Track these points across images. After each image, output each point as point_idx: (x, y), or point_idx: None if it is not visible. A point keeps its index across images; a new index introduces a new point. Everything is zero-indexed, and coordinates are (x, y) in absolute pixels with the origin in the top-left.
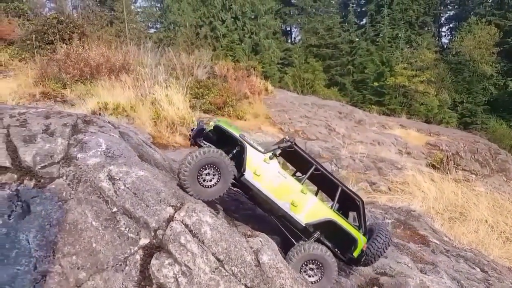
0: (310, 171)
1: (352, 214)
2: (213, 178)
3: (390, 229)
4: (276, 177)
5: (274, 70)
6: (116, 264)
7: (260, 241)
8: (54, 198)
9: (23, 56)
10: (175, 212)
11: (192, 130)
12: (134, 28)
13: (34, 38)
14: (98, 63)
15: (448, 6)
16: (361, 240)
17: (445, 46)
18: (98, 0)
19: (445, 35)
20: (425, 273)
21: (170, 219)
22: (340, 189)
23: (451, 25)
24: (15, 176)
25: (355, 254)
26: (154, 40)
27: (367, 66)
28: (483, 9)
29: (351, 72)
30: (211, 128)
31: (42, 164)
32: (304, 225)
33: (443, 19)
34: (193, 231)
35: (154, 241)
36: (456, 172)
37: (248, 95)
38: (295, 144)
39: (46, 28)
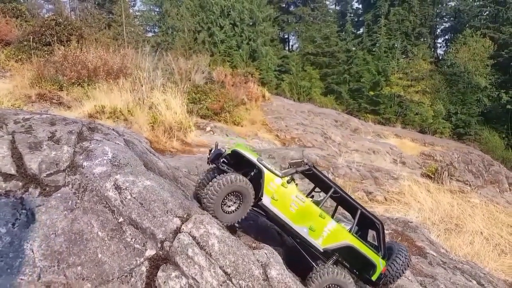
0: (329, 194)
1: (371, 233)
2: (234, 204)
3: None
4: (294, 202)
5: (271, 76)
6: (122, 276)
7: (266, 253)
8: (59, 207)
9: (19, 57)
10: (182, 223)
11: (210, 151)
12: (132, 32)
13: (31, 39)
14: (95, 66)
15: (444, 18)
16: (380, 264)
17: (440, 57)
18: (97, 2)
19: (440, 46)
20: (425, 287)
21: (178, 230)
22: (359, 212)
23: (446, 37)
24: (20, 183)
25: (374, 278)
26: (152, 44)
27: (363, 75)
28: (478, 22)
29: (348, 81)
30: (229, 152)
31: (48, 172)
32: (322, 250)
33: (438, 30)
34: (201, 244)
35: (161, 252)
36: (450, 182)
37: (245, 101)
38: (314, 167)
39: (43, 29)
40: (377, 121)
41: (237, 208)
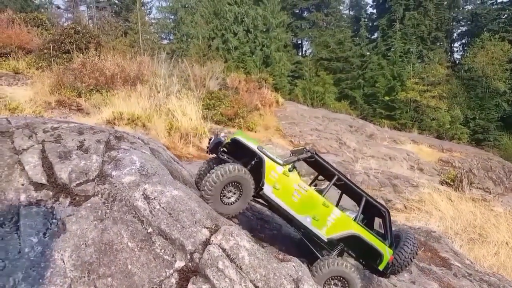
0: (333, 181)
1: (378, 221)
2: (233, 195)
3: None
4: (296, 191)
5: (284, 82)
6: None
7: (294, 266)
8: (89, 216)
9: (40, 64)
10: (211, 234)
11: (209, 140)
12: (148, 39)
13: (51, 47)
14: (113, 73)
15: (461, 22)
16: (387, 253)
17: (457, 62)
18: (113, 11)
19: (457, 51)
20: None
21: (207, 242)
22: (364, 199)
23: (463, 41)
24: (51, 193)
25: (381, 267)
26: (167, 51)
27: (378, 80)
28: (496, 25)
29: (362, 86)
30: (229, 141)
31: (78, 182)
32: (326, 240)
33: (455, 34)
34: (231, 256)
35: (190, 264)
36: (470, 190)
37: (259, 107)
38: (316, 154)
39: (63, 37)
40: (393, 126)
41: (237, 199)
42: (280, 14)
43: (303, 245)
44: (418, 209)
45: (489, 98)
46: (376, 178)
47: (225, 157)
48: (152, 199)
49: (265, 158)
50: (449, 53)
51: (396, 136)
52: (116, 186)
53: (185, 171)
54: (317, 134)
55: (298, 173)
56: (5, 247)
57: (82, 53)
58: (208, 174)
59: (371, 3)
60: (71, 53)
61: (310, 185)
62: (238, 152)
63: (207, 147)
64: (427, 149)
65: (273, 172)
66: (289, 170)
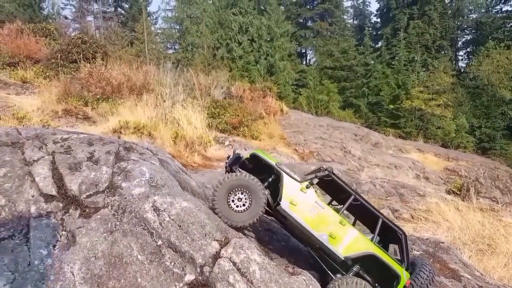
0: (349, 201)
1: (392, 247)
2: (245, 203)
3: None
4: (313, 207)
5: (288, 91)
6: None
7: (304, 280)
8: (99, 229)
9: (47, 74)
10: (221, 247)
11: (228, 157)
12: (154, 49)
13: (59, 57)
14: (119, 82)
15: (465, 31)
16: (404, 276)
17: (462, 70)
18: (120, 21)
19: (462, 59)
20: None
21: (217, 255)
22: (381, 221)
23: (468, 49)
24: (61, 204)
25: None
26: (172, 61)
27: (382, 89)
28: (501, 33)
29: (366, 94)
30: (248, 156)
31: (88, 193)
32: (343, 258)
33: (460, 43)
34: (242, 270)
35: (200, 278)
36: (478, 199)
37: (263, 115)
38: (333, 173)
39: (70, 47)
40: (398, 135)
41: (248, 208)
42: (284, 23)
43: (312, 257)
44: (426, 219)
45: (495, 106)
46: (382, 187)
47: (242, 172)
48: (162, 211)
49: (284, 174)
50: (454, 62)
51: (401, 144)
52: (126, 198)
53: (193, 181)
54: (322, 143)
55: (315, 191)
56: (15, 259)
57: (89, 63)
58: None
59: (375, 12)
60: (78, 62)
61: None
62: (256, 169)
63: (226, 163)
64: (432, 157)
65: (291, 188)
66: (307, 187)
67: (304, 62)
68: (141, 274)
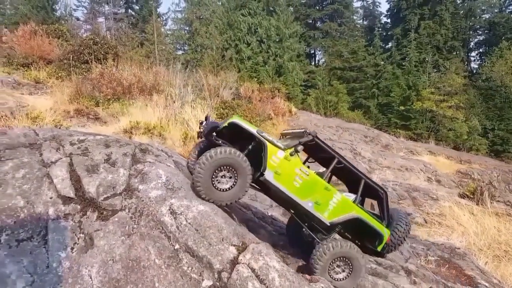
0: (333, 164)
1: (370, 202)
2: (228, 181)
3: (407, 216)
4: (298, 175)
5: (297, 91)
6: None
7: (323, 287)
8: (117, 232)
9: (60, 74)
10: (239, 253)
11: (201, 123)
12: (164, 50)
13: (71, 58)
14: (130, 83)
15: (478, 31)
16: (386, 234)
17: (475, 71)
18: (130, 22)
19: (474, 60)
20: None
21: (235, 261)
22: (363, 181)
23: (480, 50)
24: (79, 207)
25: (379, 248)
26: (182, 62)
27: (392, 90)
28: None
29: (376, 95)
30: (226, 125)
31: (105, 196)
32: (328, 224)
33: (472, 43)
34: (261, 277)
35: (218, 284)
36: (492, 203)
37: (272, 116)
38: (317, 137)
39: (82, 48)
40: (408, 136)
41: (232, 186)
42: (293, 24)
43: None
44: (439, 223)
45: (508, 108)
46: (394, 190)
47: (220, 141)
48: (179, 214)
49: (266, 143)
50: (466, 63)
51: (412, 146)
52: (143, 201)
53: None
54: (331, 144)
55: (298, 155)
56: (34, 261)
57: (100, 64)
58: (199, 158)
59: (385, 13)
60: (90, 63)
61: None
62: (234, 137)
63: (199, 131)
64: (444, 160)
65: (274, 156)
66: (291, 155)
67: (313, 63)
68: (158, 279)
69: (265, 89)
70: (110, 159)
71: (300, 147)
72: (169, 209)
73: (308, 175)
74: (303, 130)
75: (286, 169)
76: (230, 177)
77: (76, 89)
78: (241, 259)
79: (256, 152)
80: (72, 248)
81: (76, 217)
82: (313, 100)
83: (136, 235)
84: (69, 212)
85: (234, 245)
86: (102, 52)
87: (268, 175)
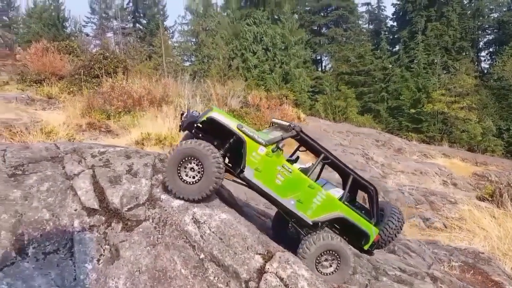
0: (319, 160)
1: (363, 195)
2: (196, 175)
3: (400, 210)
4: (280, 173)
5: (304, 97)
6: None
7: None
8: (142, 242)
9: (71, 89)
10: (265, 261)
11: (181, 115)
12: (171, 62)
13: (82, 73)
14: (140, 95)
15: (487, 31)
16: (373, 233)
17: (486, 71)
18: (138, 36)
19: (484, 60)
20: None
21: (262, 270)
22: (351, 177)
23: (490, 49)
24: (103, 218)
25: (366, 247)
26: (189, 73)
27: (402, 93)
28: None
29: (386, 99)
30: (204, 119)
31: (129, 206)
32: (311, 223)
33: (481, 43)
34: (290, 286)
35: None
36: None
37: None
38: (302, 131)
39: (92, 63)
40: (421, 139)
41: (200, 179)
42: (298, 31)
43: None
44: (459, 227)
45: None
46: (411, 195)
47: (200, 135)
48: (202, 223)
49: (246, 139)
50: (476, 63)
51: (425, 149)
52: (166, 210)
53: (225, 192)
54: (342, 149)
55: (281, 151)
56: (61, 274)
57: (111, 77)
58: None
59: (391, 16)
60: (100, 77)
61: (291, 156)
62: (216, 131)
63: (180, 125)
64: (459, 162)
65: (255, 153)
66: (273, 151)
67: (320, 69)
68: None
69: (273, 97)
70: (132, 170)
71: (282, 144)
72: (192, 218)
73: (291, 172)
74: (288, 123)
75: (267, 166)
76: (199, 171)
77: (87, 103)
78: (268, 268)
79: (238, 146)
80: (98, 260)
81: (101, 229)
82: (321, 106)
83: (161, 245)
84: (94, 223)
85: (260, 254)
86: (112, 66)
87: (248, 173)
